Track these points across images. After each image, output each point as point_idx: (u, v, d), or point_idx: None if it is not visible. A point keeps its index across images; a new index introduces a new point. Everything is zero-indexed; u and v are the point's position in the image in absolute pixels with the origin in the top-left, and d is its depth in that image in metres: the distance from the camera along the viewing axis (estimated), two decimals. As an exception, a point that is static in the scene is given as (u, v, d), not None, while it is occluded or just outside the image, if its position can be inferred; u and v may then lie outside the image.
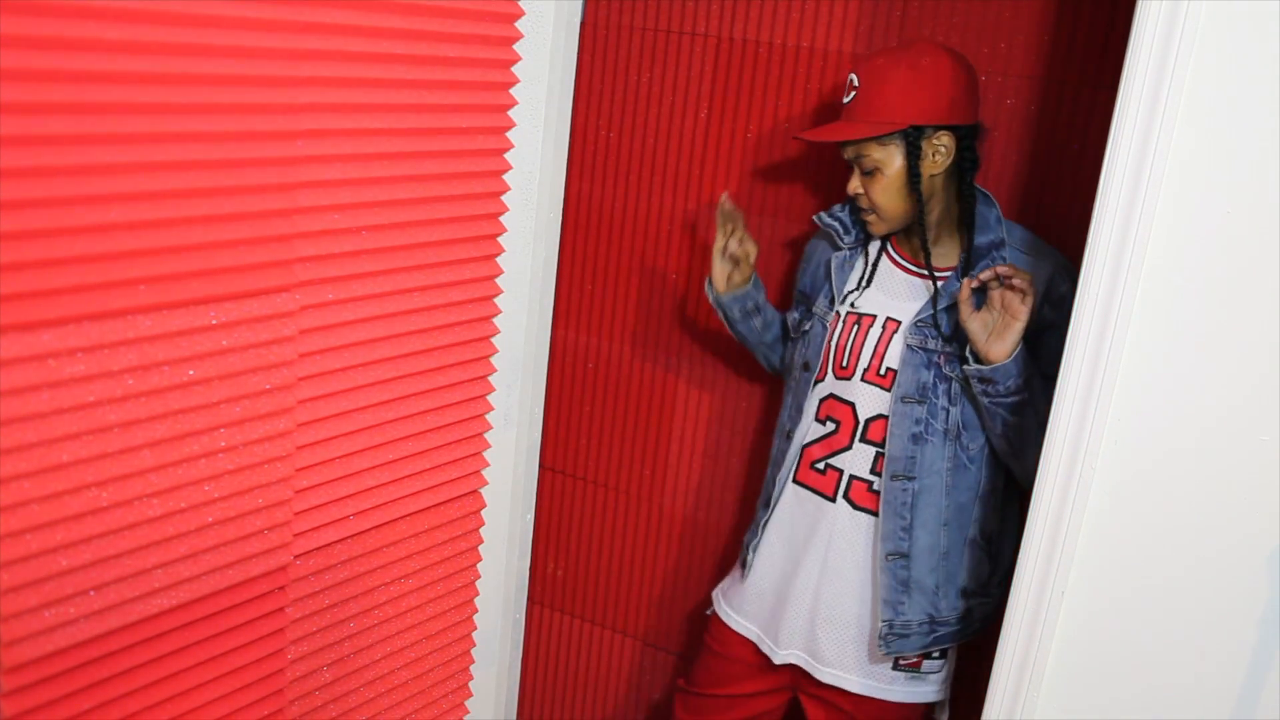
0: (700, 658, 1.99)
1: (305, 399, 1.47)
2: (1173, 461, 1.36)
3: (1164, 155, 1.30)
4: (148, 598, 1.31)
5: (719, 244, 1.85)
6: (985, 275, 1.60)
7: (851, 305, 1.76)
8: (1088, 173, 1.87)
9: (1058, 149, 1.89)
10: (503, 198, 1.71)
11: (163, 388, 1.27)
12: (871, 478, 1.75)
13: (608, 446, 2.39)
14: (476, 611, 1.91)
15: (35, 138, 1.09)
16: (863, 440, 1.74)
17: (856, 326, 1.74)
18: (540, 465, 2.11)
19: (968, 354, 1.63)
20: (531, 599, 2.50)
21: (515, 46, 1.65)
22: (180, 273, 1.25)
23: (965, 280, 1.63)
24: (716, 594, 1.98)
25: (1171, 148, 1.30)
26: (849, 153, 1.70)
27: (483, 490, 1.85)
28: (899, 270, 1.76)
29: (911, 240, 1.75)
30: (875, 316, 1.73)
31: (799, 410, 1.82)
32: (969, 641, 1.84)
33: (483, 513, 1.87)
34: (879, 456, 1.73)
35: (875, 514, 1.74)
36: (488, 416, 1.81)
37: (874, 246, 1.79)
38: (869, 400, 1.74)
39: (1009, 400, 1.61)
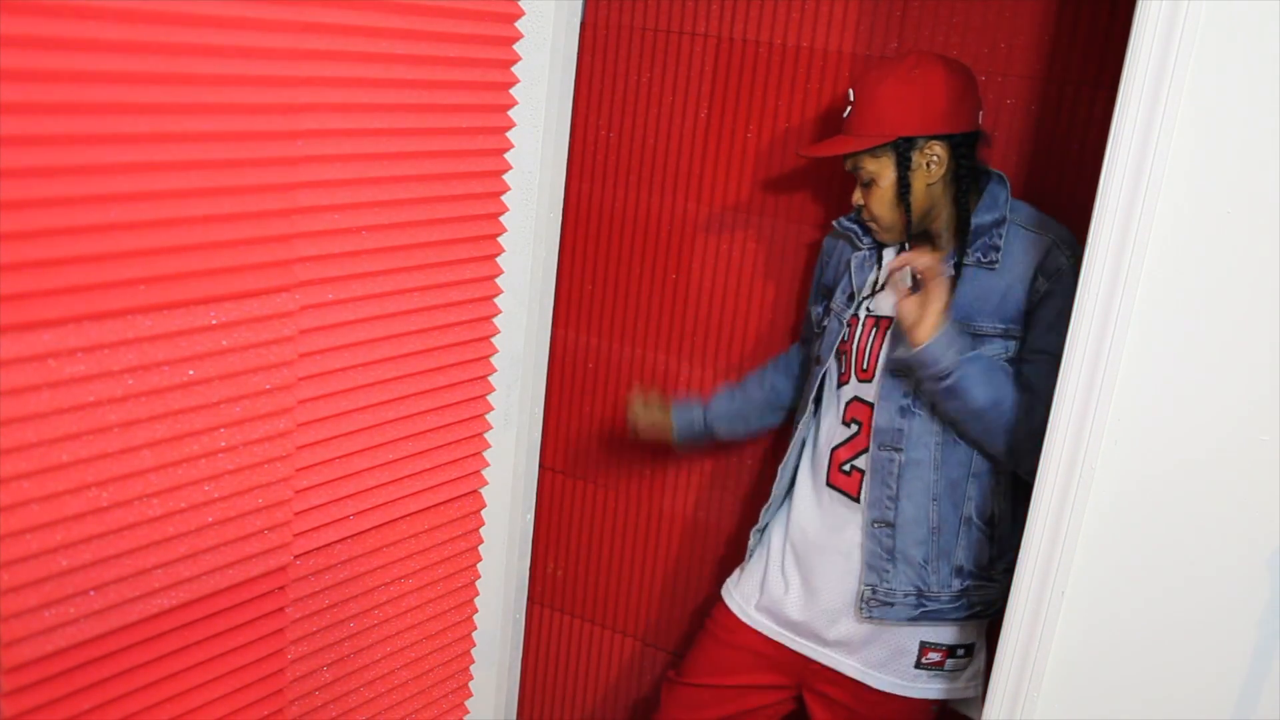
0: (699, 645, 1.96)
1: (305, 399, 1.47)
2: (1173, 462, 1.36)
3: (1164, 155, 1.30)
4: (148, 598, 1.31)
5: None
6: (887, 271, 1.71)
7: (869, 309, 1.78)
8: (1088, 173, 1.86)
9: (1058, 149, 1.89)
10: (503, 198, 1.71)
11: (163, 388, 1.27)
12: None
13: (608, 446, 2.39)
14: (476, 611, 1.91)
15: (35, 138, 1.09)
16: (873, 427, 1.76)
17: (875, 329, 1.76)
18: (540, 465, 2.11)
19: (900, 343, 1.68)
20: (531, 599, 2.50)
21: (515, 47, 1.65)
22: (180, 273, 1.25)
23: (889, 265, 1.71)
24: (729, 581, 1.96)
25: (1171, 148, 1.30)
26: (848, 165, 1.74)
27: (483, 490, 1.85)
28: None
29: (923, 246, 1.76)
30: (892, 319, 1.74)
31: (805, 402, 1.85)
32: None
33: (483, 513, 1.87)
34: None
35: None
36: (488, 416, 1.81)
37: (889, 249, 1.81)
38: (875, 389, 1.75)
39: (942, 385, 1.62)
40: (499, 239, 1.72)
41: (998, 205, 1.69)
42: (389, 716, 1.77)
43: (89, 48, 1.11)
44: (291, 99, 1.33)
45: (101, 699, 1.30)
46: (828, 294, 1.89)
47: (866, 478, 1.74)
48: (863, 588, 1.74)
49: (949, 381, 1.62)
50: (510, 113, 1.68)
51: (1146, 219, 1.31)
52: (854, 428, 1.78)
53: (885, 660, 1.76)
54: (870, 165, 1.70)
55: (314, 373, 1.47)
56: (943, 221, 1.74)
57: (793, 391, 2.01)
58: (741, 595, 1.92)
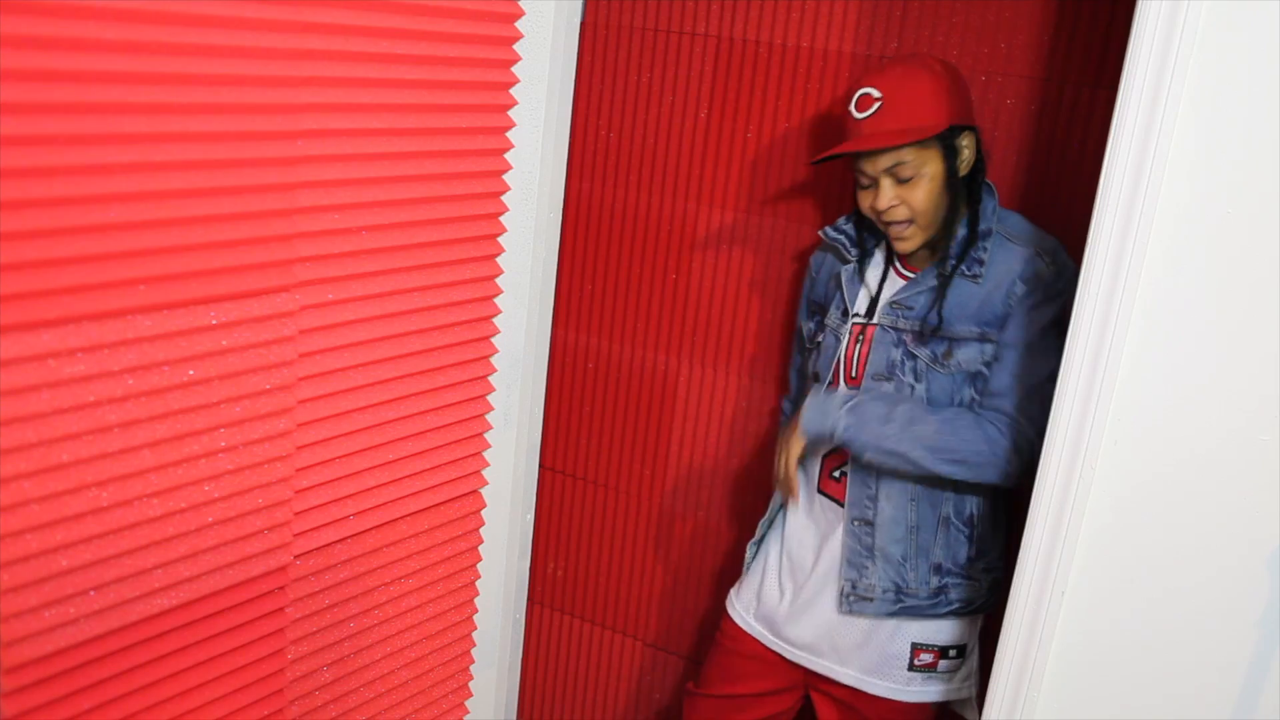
0: (711, 656, 1.98)
1: (305, 399, 1.47)
2: (1173, 461, 1.36)
3: (1164, 155, 1.30)
4: (148, 598, 1.31)
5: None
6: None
7: (858, 317, 1.78)
8: (1088, 172, 1.86)
9: (1058, 149, 1.89)
10: (503, 197, 1.71)
11: (163, 388, 1.27)
12: None
13: (608, 446, 2.39)
14: (476, 611, 1.91)
15: (35, 138, 1.09)
16: None
17: (861, 336, 1.77)
18: (540, 465, 2.11)
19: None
20: (531, 599, 2.50)
21: (515, 47, 1.65)
22: (180, 273, 1.25)
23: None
24: (731, 592, 1.97)
25: (1171, 148, 1.30)
26: (883, 163, 1.66)
27: (483, 490, 1.85)
28: (900, 280, 1.77)
29: (918, 250, 1.75)
30: (878, 325, 1.75)
31: None
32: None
33: (483, 513, 1.87)
34: None
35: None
36: (488, 416, 1.81)
37: (879, 258, 1.80)
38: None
39: (864, 455, 1.69)
40: (499, 239, 1.72)
41: (985, 217, 1.70)
42: (389, 717, 1.77)
43: (89, 48, 1.11)
44: (292, 99, 1.33)
45: (101, 699, 1.30)
46: (819, 309, 1.88)
47: (848, 479, 1.76)
48: (842, 583, 1.76)
49: (866, 453, 1.68)
50: (510, 113, 1.68)
51: (1146, 219, 1.31)
52: None
53: (878, 666, 1.77)
54: (912, 158, 1.65)
55: (314, 373, 1.47)
56: (954, 222, 1.71)
57: None
58: (742, 605, 1.93)
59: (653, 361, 2.30)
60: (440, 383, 1.68)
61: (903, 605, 1.74)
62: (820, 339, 1.84)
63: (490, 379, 1.79)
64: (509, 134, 1.68)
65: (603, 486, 2.41)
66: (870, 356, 1.73)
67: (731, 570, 2.00)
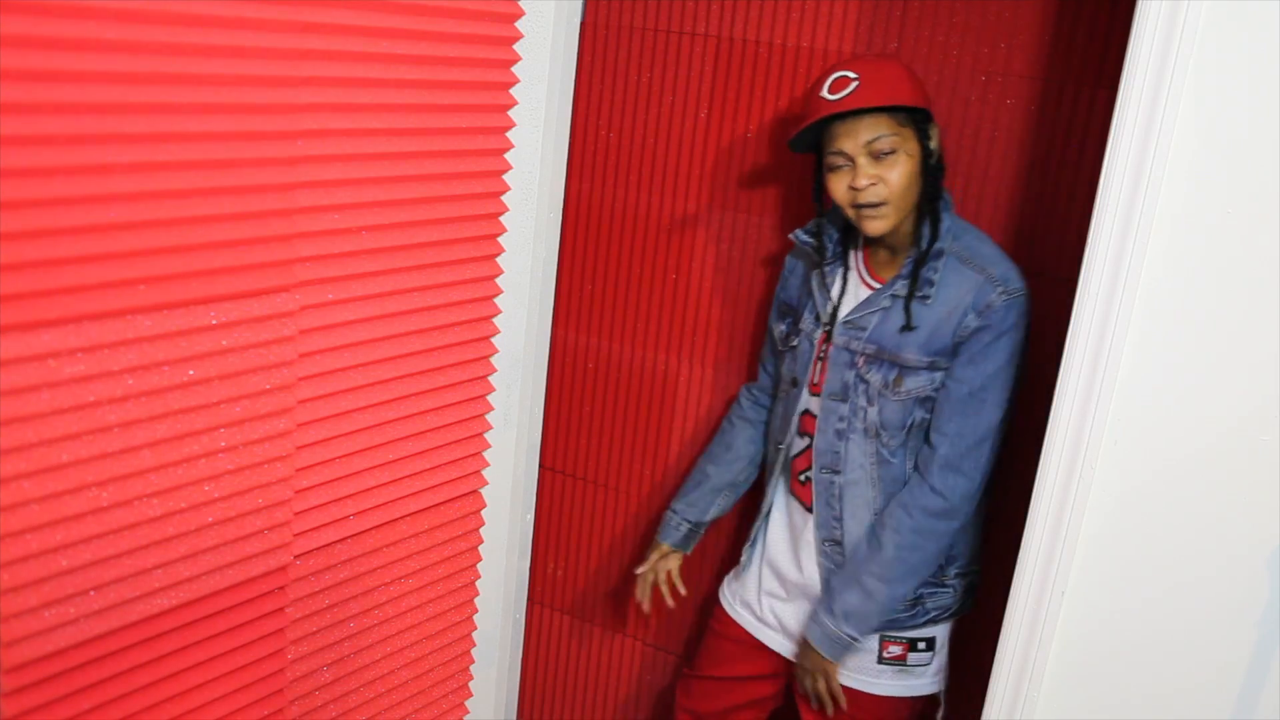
0: (704, 640, 2.04)
1: (305, 399, 1.47)
2: (1172, 462, 1.36)
3: (1164, 155, 1.30)
4: (148, 598, 1.31)
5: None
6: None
7: (827, 326, 1.79)
8: (1087, 173, 1.86)
9: (1058, 149, 1.89)
10: (503, 197, 1.71)
11: (163, 388, 1.27)
12: None
13: (608, 446, 2.39)
14: (476, 611, 1.91)
15: (35, 137, 1.09)
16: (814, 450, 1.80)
17: (825, 345, 1.78)
18: (540, 465, 2.11)
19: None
20: (532, 599, 2.50)
21: (515, 46, 1.65)
22: (180, 273, 1.25)
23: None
24: (726, 580, 2.02)
25: (1171, 147, 1.30)
26: (864, 134, 1.62)
27: (483, 490, 1.85)
28: (865, 288, 1.77)
29: (878, 252, 1.76)
30: (830, 330, 1.77)
31: (787, 422, 1.85)
32: (960, 639, 1.84)
33: (483, 513, 1.87)
34: None
35: None
36: (488, 416, 1.81)
37: (851, 262, 1.79)
38: (818, 407, 1.79)
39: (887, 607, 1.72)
40: (499, 239, 1.72)
41: (941, 235, 1.67)
42: (389, 717, 1.77)
43: (89, 48, 1.11)
44: (292, 99, 1.33)
45: (101, 699, 1.30)
46: (790, 311, 1.89)
47: (814, 498, 1.79)
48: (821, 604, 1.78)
49: (881, 619, 1.72)
50: (510, 113, 1.68)
51: (1146, 218, 1.31)
52: (806, 440, 1.81)
53: (850, 659, 1.79)
54: (892, 133, 1.62)
55: (314, 372, 1.47)
56: (920, 218, 1.69)
57: (761, 440, 2.02)
58: (730, 591, 1.99)
59: (653, 361, 2.30)
60: (440, 382, 1.68)
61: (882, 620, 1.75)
62: (795, 342, 1.84)
63: (490, 379, 1.79)
64: (509, 134, 1.68)
65: (603, 486, 2.41)
66: (827, 376, 1.75)
67: (730, 570, 2.02)
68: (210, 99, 1.23)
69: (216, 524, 1.38)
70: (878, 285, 1.73)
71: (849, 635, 1.72)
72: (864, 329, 1.71)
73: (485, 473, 1.84)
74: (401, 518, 1.69)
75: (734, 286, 2.19)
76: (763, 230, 2.15)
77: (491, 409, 1.81)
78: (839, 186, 1.66)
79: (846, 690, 1.81)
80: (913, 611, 1.76)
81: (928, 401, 1.68)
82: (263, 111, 1.30)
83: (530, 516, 2.03)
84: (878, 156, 1.63)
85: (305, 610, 1.56)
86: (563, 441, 2.44)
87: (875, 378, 1.69)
